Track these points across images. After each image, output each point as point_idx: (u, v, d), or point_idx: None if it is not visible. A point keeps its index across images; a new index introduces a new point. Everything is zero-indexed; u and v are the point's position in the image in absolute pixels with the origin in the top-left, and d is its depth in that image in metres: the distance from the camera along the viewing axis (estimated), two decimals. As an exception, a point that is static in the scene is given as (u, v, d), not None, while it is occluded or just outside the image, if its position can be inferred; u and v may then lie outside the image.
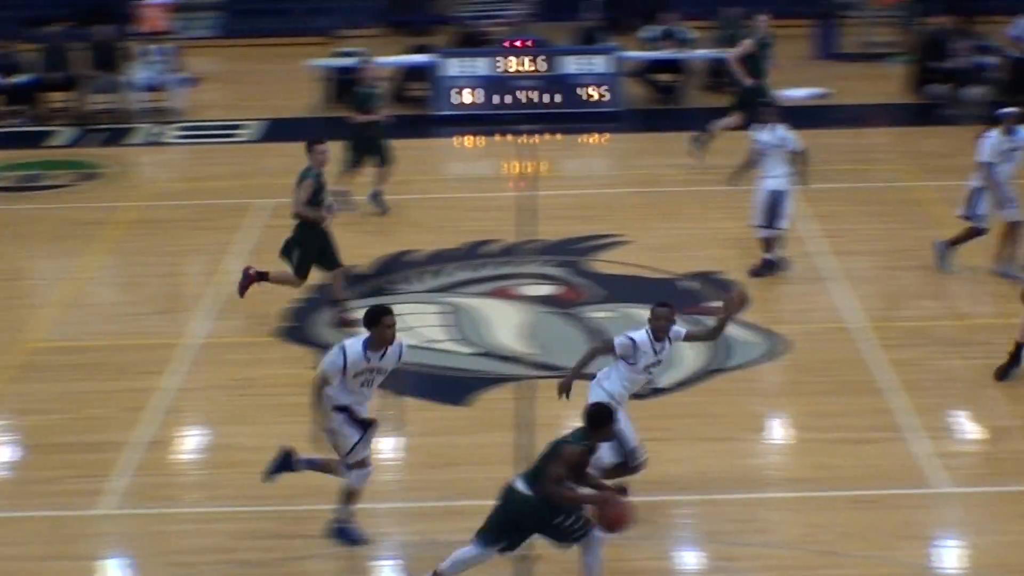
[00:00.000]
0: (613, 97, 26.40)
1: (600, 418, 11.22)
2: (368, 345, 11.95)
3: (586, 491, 11.31)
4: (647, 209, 20.83)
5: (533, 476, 11.24)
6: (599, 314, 16.90)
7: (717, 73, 27.57)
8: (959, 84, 25.79)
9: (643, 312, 12.76)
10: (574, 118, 25.77)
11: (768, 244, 18.14)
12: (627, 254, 18.76)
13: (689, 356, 15.59)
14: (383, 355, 11.99)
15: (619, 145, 25.17)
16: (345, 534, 12.42)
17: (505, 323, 16.90)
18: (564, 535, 11.26)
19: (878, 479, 13.21)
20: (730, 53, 23.09)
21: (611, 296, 17.45)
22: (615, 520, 11.17)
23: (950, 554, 12.28)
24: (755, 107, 20.42)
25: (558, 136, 24.83)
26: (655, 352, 12.46)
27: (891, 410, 14.59)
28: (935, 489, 13.00)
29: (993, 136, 17.64)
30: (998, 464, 13.58)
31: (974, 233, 17.90)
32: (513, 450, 13.81)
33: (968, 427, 14.20)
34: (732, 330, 15.78)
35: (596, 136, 24.83)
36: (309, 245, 16.58)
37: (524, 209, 20.94)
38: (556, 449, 11.16)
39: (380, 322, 11.91)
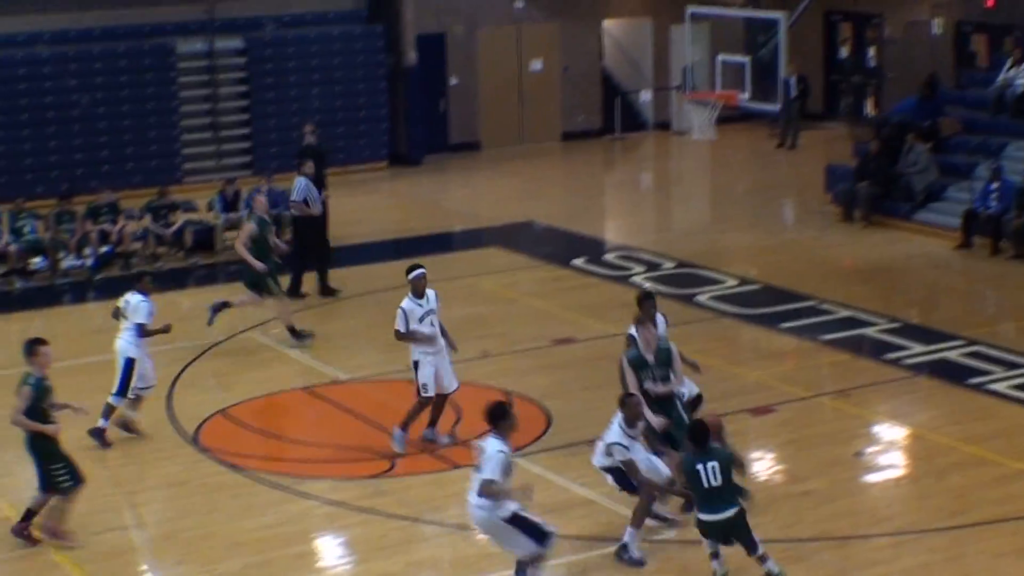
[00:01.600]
0: None
1: (705, 432, 13.60)
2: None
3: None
4: None
5: (721, 496, 13.37)
6: None
7: None
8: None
9: None
10: None
11: None
12: None
13: None
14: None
15: None
16: None
17: None
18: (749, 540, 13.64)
19: None
20: (238, 240, 22.72)
21: None
22: None
23: None
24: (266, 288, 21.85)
25: None
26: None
27: None
28: None
29: (407, 302, 17.56)
30: None
31: None
32: None
33: None
34: None
35: None
36: None
37: None
38: (728, 461, 13.57)
39: (509, 415, 13.50)
